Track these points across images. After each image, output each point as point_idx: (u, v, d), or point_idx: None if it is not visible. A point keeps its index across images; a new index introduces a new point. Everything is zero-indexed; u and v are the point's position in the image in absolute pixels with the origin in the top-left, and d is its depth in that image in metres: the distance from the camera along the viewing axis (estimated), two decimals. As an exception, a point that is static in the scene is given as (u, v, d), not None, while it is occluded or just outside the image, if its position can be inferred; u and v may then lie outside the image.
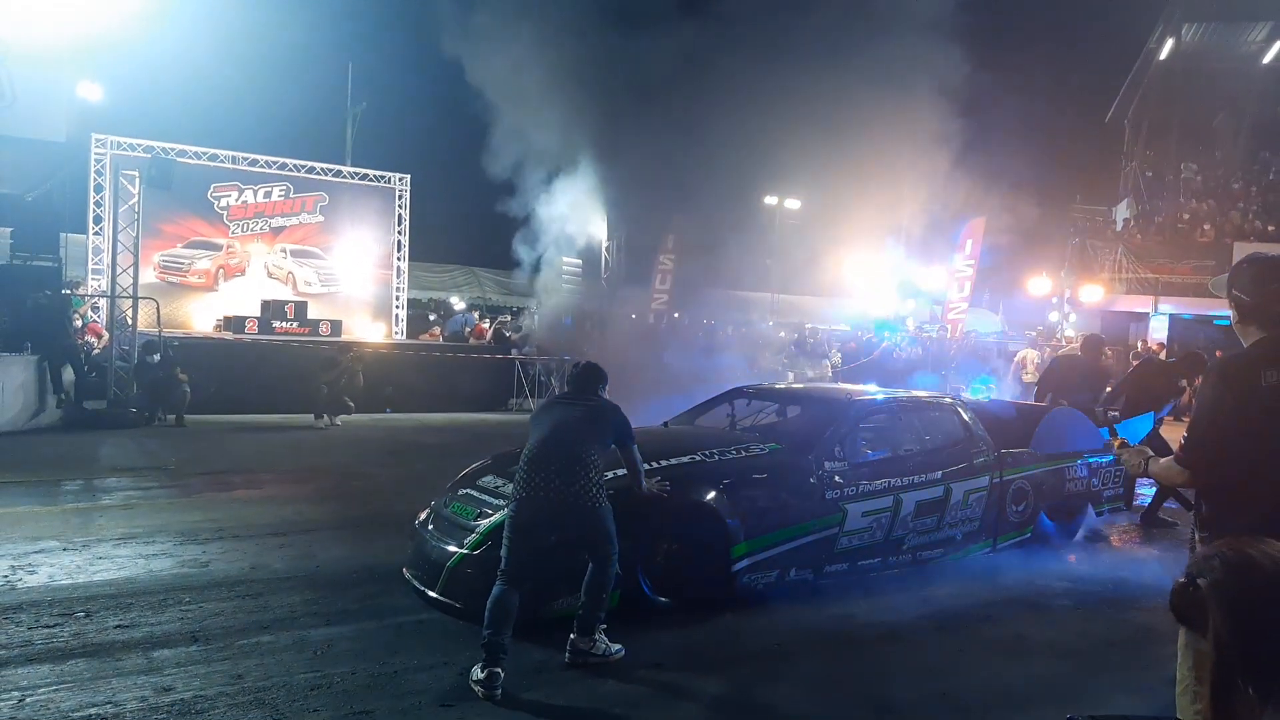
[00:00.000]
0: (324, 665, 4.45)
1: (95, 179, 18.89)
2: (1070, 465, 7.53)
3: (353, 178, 22.43)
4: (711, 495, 5.46)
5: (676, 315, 22.78)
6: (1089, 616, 5.64)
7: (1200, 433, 2.85)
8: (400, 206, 22.52)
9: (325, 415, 14.56)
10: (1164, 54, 31.16)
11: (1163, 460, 3.10)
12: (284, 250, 21.31)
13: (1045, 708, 4.44)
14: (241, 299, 19.97)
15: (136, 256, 15.72)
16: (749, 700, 4.38)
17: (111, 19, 16.70)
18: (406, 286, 23.23)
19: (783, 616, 5.29)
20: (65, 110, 23.58)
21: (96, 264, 18.70)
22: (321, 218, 21.69)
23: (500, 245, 19.42)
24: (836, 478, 5.98)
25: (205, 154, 20.26)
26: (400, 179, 22.56)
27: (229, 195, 20.67)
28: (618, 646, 4.62)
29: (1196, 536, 2.87)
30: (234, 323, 18.33)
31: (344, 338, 18.97)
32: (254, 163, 20.91)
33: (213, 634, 4.82)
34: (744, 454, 5.96)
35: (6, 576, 5.67)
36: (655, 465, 5.47)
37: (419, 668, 4.47)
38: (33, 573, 5.75)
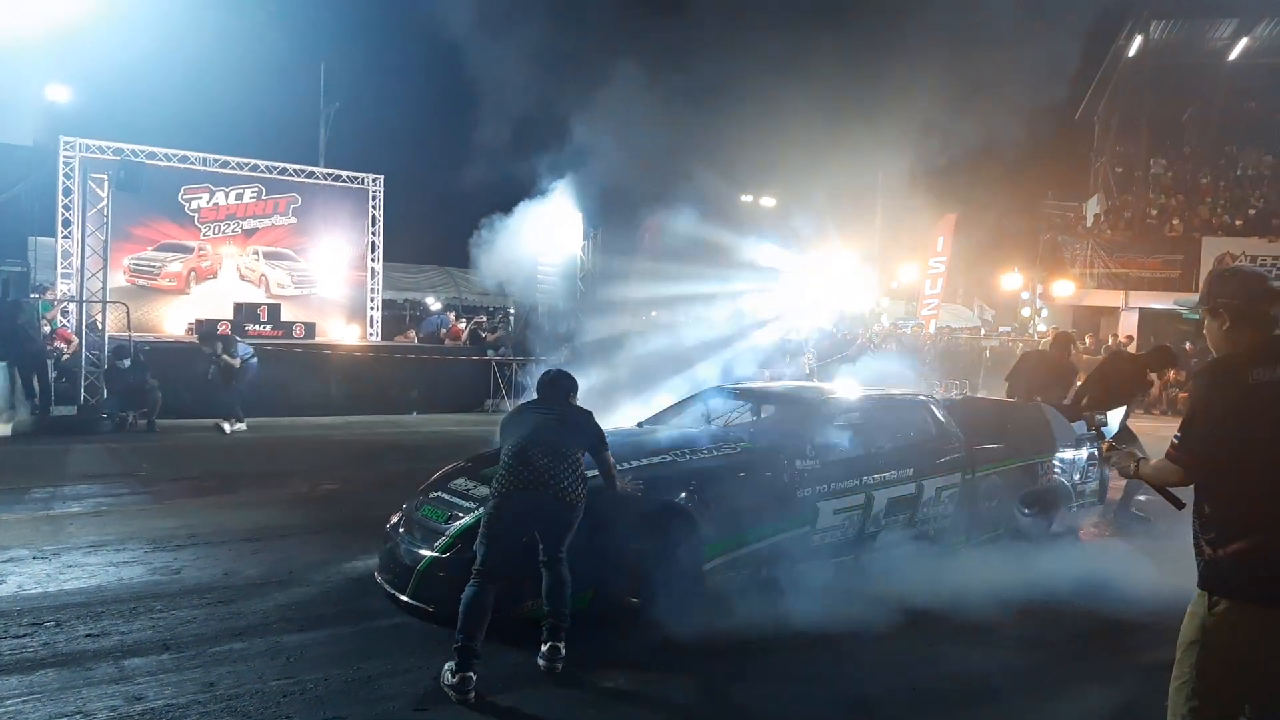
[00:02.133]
0: (297, 671, 4.44)
1: (64, 182, 18.66)
2: (1044, 461, 7.60)
3: (325, 179, 22.29)
4: (682, 495, 5.47)
5: (654, 314, 22.80)
6: (1062, 610, 5.70)
7: (1194, 431, 2.93)
8: (374, 207, 22.40)
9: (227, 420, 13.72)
10: (1133, 51, 31.50)
11: (1155, 461, 3.17)
12: (256, 252, 21.14)
13: (1017, 698, 4.50)
14: (214, 302, 19.79)
15: (106, 260, 15.55)
16: (723, 699, 4.41)
17: (79, 20, 16.53)
18: (381, 288, 23.11)
19: (755, 614, 5.29)
20: (33, 113, 23.30)
21: (66, 268, 18.47)
22: (294, 219, 21.53)
23: (476, 246, 19.38)
24: (808, 476, 6.01)
25: (176, 156, 20.07)
26: (374, 179, 22.43)
27: (200, 197, 20.48)
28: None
29: (1202, 538, 2.93)
30: (201, 325, 18.16)
31: (319, 339, 18.87)
32: (225, 164, 20.73)
33: (185, 642, 4.79)
34: (716, 454, 6.00)
35: (-25, 586, 5.61)
36: (627, 466, 5.49)
37: (393, 672, 4.47)
38: (1, 581, 5.69)
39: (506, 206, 19.72)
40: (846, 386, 8.11)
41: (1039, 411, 8.06)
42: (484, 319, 23.96)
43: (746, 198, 31.00)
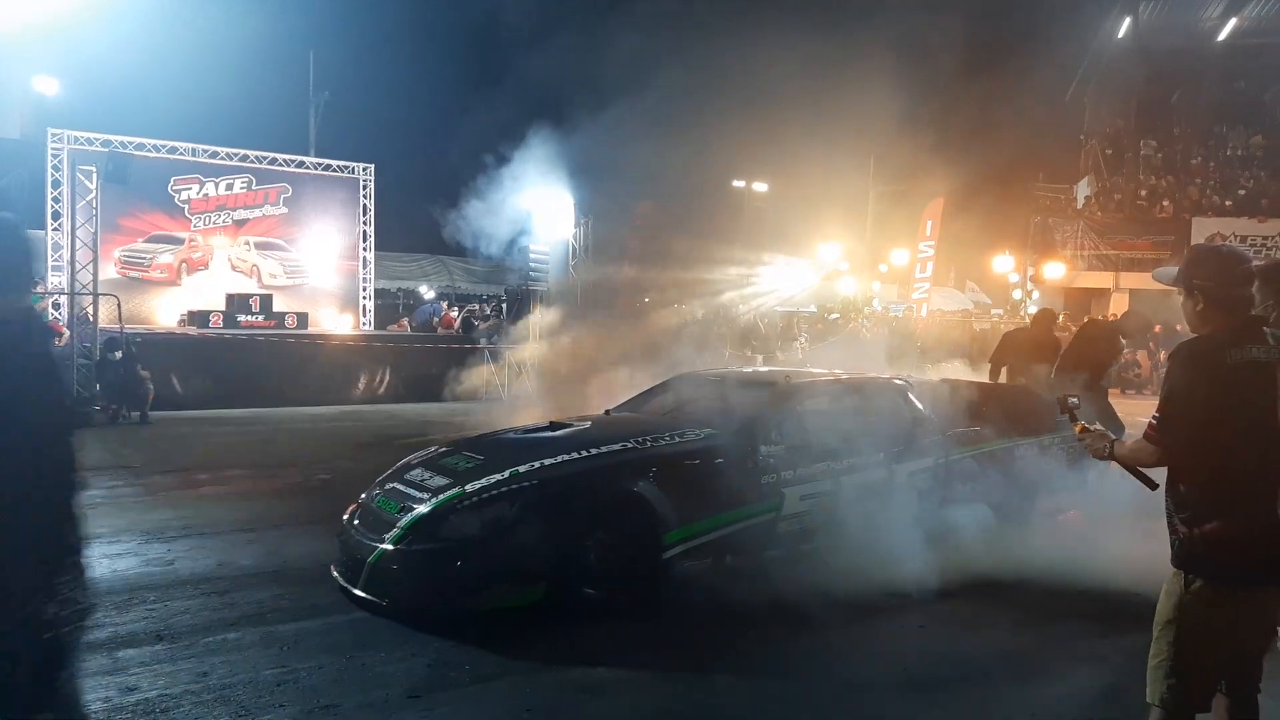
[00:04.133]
0: (291, 660, 4.47)
1: (53, 174, 18.61)
2: (1020, 444, 7.43)
3: (316, 168, 22.24)
4: (640, 484, 5.40)
5: (647, 300, 22.81)
6: (1047, 592, 5.73)
7: (1171, 412, 2.95)
8: (365, 196, 22.36)
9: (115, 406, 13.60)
10: (1121, 32, 31.50)
11: (1130, 442, 3.19)
12: (248, 243, 21.11)
13: (1005, 681, 4.55)
14: (205, 293, 19.77)
15: (96, 252, 15.52)
16: (706, 688, 4.44)
17: (67, 12, 16.42)
18: (373, 277, 23.09)
19: (727, 604, 5.30)
20: (20, 106, 23.17)
21: (56, 260, 18.43)
22: (285, 209, 21.49)
23: (468, 234, 19.37)
24: (773, 462, 5.93)
25: (165, 147, 20.00)
26: (364, 169, 22.39)
27: (190, 188, 20.43)
28: None
29: (1176, 518, 2.96)
30: (198, 317, 18.16)
31: (311, 330, 18.85)
32: (215, 155, 20.68)
33: (179, 632, 4.82)
34: (677, 440, 5.91)
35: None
36: (583, 455, 5.49)
37: (386, 660, 4.50)
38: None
39: (497, 192, 19.70)
40: (817, 371, 7.97)
41: (1023, 394, 8.02)
42: (476, 307, 23.96)
43: (738, 183, 30.96)
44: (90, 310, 14.95)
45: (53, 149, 18.64)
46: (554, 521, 4.90)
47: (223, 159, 20.78)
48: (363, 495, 5.88)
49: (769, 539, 5.82)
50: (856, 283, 29.77)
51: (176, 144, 20.19)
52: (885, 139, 20.57)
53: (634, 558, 5.22)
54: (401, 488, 5.57)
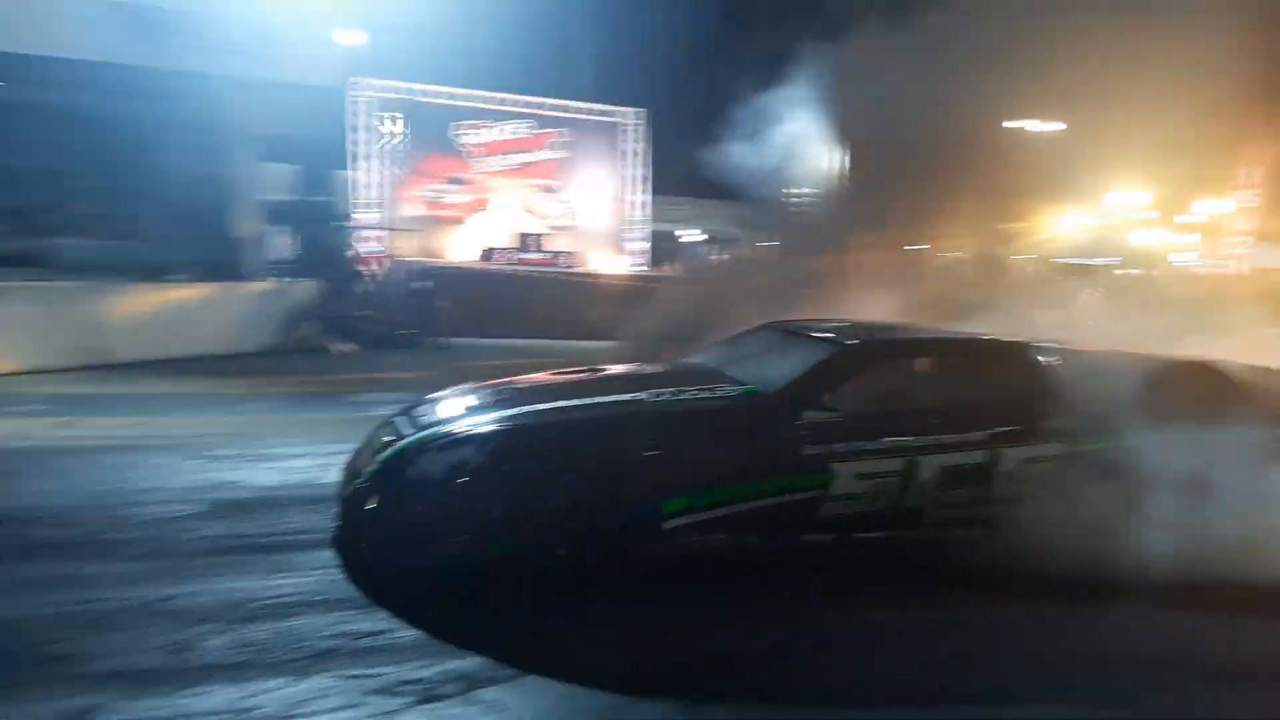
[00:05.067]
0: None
1: (354, 120, 20.20)
2: (1213, 436, 5.08)
3: (591, 114, 22.83)
4: (635, 441, 4.71)
5: (919, 247, 21.85)
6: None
7: None
8: (636, 140, 22.75)
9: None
10: None
11: None
12: (527, 185, 22.08)
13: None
14: (487, 232, 20.92)
15: (394, 192, 16.72)
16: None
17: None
18: (645, 219, 23.55)
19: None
20: (328, 56, 25.31)
21: (359, 199, 20.09)
22: (562, 153, 22.27)
23: (735, 177, 19.28)
24: (820, 431, 4.92)
25: (452, 93, 21.18)
26: (636, 113, 22.76)
27: (474, 133, 21.59)
28: None
29: None
30: (485, 253, 19.27)
31: (584, 269, 19.52)
32: (498, 101, 21.69)
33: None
34: (702, 396, 5.16)
35: (313, 472, 6.23)
36: (581, 403, 5.03)
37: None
38: (327, 470, 6.12)
39: (759, 134, 19.41)
40: (916, 325, 6.55)
41: (1215, 373, 5.70)
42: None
43: (1019, 123, 28.91)
44: (392, 245, 16.20)
45: (357, 96, 20.22)
46: (526, 472, 4.45)
47: (505, 105, 21.77)
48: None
49: (809, 520, 4.86)
50: (1153, 233, 27.15)
51: (463, 90, 21.35)
52: (1207, 70, 18.33)
53: (625, 524, 4.54)
54: (400, 420, 5.13)
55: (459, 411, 5.01)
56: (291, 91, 17.17)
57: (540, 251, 19.41)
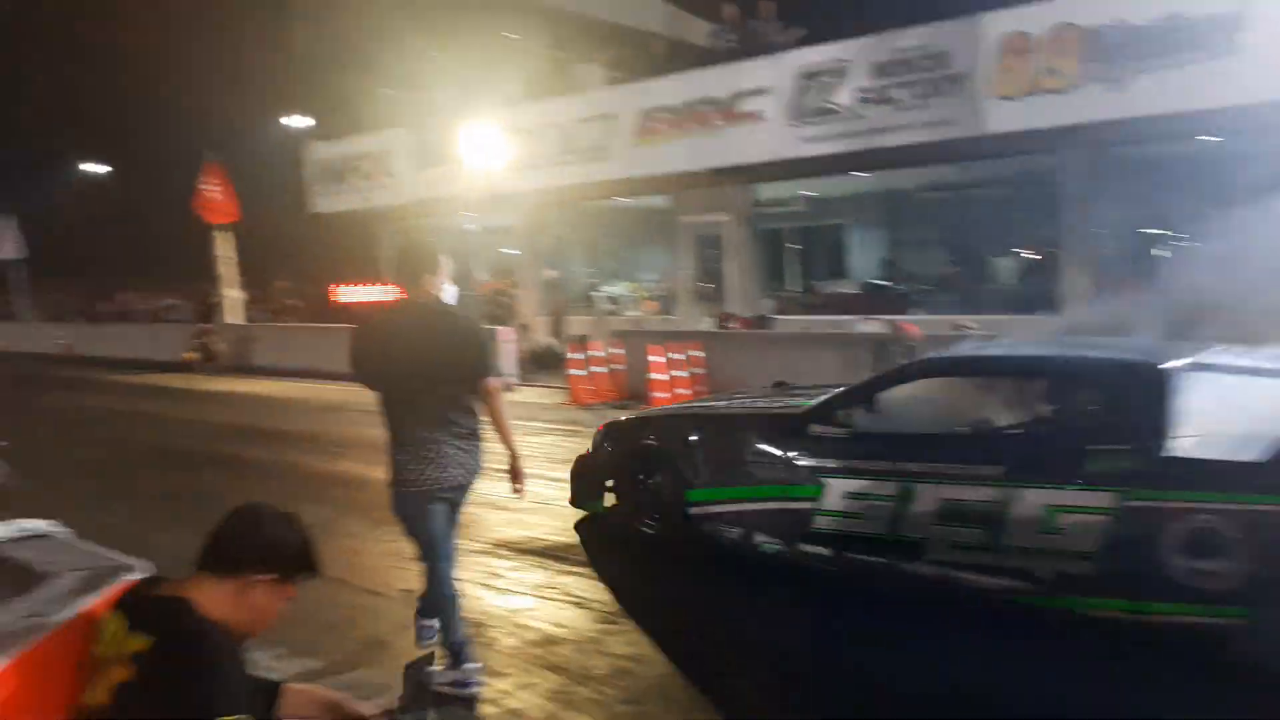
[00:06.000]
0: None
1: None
2: None
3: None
4: (664, 436, 6.05)
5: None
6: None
7: None
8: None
9: None
10: None
11: None
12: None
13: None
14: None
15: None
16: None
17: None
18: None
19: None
20: None
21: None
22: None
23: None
24: (817, 445, 5.14)
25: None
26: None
27: None
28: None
29: None
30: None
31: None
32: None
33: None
34: (760, 405, 6.12)
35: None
36: (681, 407, 7.57)
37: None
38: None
39: None
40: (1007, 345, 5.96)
41: None
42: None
43: None
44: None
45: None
46: (632, 457, 6.16)
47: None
48: None
49: (802, 529, 5.08)
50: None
51: None
52: None
53: (670, 504, 5.79)
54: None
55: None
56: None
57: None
